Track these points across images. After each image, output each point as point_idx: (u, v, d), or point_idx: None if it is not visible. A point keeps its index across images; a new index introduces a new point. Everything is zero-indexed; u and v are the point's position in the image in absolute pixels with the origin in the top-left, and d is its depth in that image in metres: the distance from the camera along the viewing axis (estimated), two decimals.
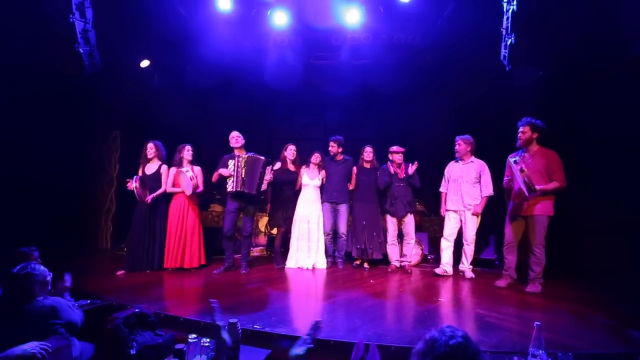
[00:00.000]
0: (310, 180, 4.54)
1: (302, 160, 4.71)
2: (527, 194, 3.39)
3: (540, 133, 3.60)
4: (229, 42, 5.50)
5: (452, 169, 4.34)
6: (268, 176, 4.13)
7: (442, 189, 4.42)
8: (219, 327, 1.83)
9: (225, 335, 1.83)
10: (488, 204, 4.17)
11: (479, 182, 4.16)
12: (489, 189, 4.14)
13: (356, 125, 7.17)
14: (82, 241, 5.44)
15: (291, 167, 4.60)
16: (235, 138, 4.28)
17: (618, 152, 3.96)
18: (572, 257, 4.46)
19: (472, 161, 4.24)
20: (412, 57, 5.83)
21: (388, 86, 6.02)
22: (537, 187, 3.37)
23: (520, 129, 3.64)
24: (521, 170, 3.32)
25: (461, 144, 4.23)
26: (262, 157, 4.12)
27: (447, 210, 4.30)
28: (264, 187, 4.13)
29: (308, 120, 7.54)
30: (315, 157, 4.58)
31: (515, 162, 3.42)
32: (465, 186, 4.18)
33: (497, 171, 4.04)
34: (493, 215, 4.31)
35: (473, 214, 4.12)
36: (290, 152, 4.58)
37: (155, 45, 5.47)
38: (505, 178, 3.83)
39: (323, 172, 4.63)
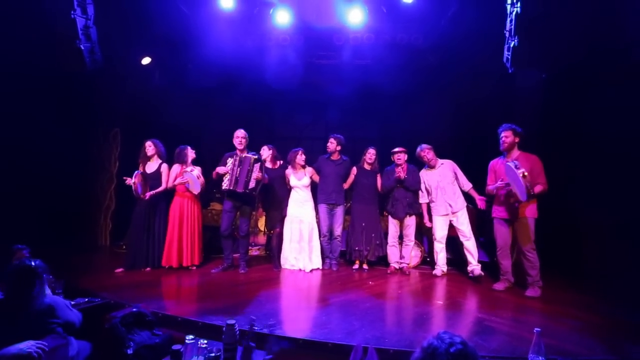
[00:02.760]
0: (298, 181, 4.48)
1: (309, 160, 4.66)
2: (523, 198, 3.39)
3: (521, 138, 3.69)
4: (231, 40, 5.49)
5: (429, 178, 4.38)
6: (256, 174, 4.06)
7: (422, 200, 4.44)
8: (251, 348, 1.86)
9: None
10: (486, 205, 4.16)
11: (457, 179, 4.28)
12: (468, 183, 4.29)
13: (357, 125, 7.17)
14: (81, 238, 5.43)
15: (269, 165, 4.57)
16: (240, 139, 4.23)
17: (619, 155, 3.94)
18: (572, 261, 4.44)
19: (442, 163, 4.35)
20: (414, 57, 5.82)
21: (390, 86, 6.01)
22: (535, 191, 3.44)
23: (503, 134, 3.71)
24: (524, 176, 3.32)
25: (429, 153, 4.33)
26: (250, 155, 4.10)
27: (435, 216, 4.33)
28: (251, 184, 4.05)
29: (309, 120, 7.53)
30: (299, 158, 4.48)
31: (516, 166, 3.40)
32: (448, 188, 4.26)
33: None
34: (491, 216, 4.28)
35: (480, 207, 4.15)
36: (265, 152, 4.60)
37: (157, 42, 5.45)
38: (489, 185, 3.83)
39: (309, 169, 4.56)
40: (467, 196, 4.35)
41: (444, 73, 5.89)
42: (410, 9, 5.11)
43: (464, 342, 1.12)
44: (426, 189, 4.40)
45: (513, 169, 3.39)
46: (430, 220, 4.40)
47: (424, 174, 4.42)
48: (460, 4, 4.90)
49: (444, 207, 4.25)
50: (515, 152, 3.70)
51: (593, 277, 4.18)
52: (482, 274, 4.05)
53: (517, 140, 3.67)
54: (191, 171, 4.21)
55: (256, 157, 4.12)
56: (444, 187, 4.26)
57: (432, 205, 4.37)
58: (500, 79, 4.94)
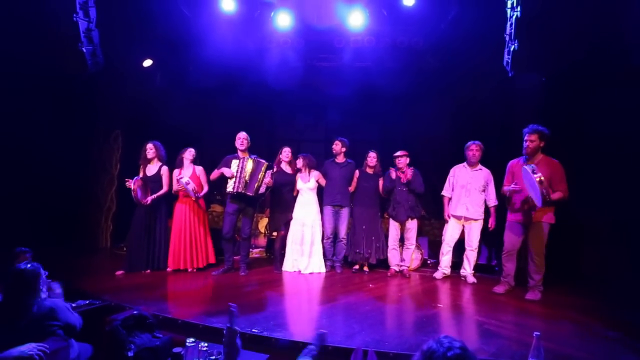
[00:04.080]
0: (304, 184, 4.52)
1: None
2: (539, 204, 3.27)
3: (547, 142, 3.50)
4: (232, 42, 5.50)
5: (460, 174, 4.23)
6: (267, 179, 4.13)
7: (445, 193, 4.32)
8: (236, 332, 1.83)
9: (238, 341, 1.83)
10: (488, 209, 4.15)
11: (484, 190, 4.12)
12: (495, 199, 4.11)
13: (358, 127, 7.15)
14: (82, 240, 5.43)
15: (287, 169, 4.59)
16: (242, 140, 4.28)
17: (619, 158, 3.95)
18: (572, 264, 4.44)
19: (480, 168, 4.18)
20: (414, 60, 5.82)
21: (390, 89, 6.01)
22: (553, 197, 3.28)
23: (528, 137, 3.49)
24: (540, 182, 3.16)
25: (478, 151, 4.13)
26: (264, 161, 4.14)
27: (452, 215, 4.23)
28: (262, 190, 4.13)
29: (309, 122, 7.53)
30: (298, 162, 4.55)
31: (533, 170, 3.22)
32: (474, 193, 4.11)
33: (499, 176, 4.02)
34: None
35: (491, 230, 4.06)
36: (285, 154, 4.58)
37: (158, 44, 5.46)
38: (505, 186, 3.74)
39: (315, 172, 4.58)
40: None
41: (445, 75, 5.90)
42: (411, 12, 5.12)
43: (463, 347, 1.12)
44: (452, 183, 4.27)
45: (529, 173, 3.23)
46: (449, 216, 4.29)
47: (458, 169, 4.27)
48: (461, 7, 4.91)
49: (462, 208, 4.12)
50: (539, 156, 3.53)
51: (593, 280, 4.18)
52: (475, 281, 4.11)
53: (542, 144, 3.48)
54: (181, 178, 4.19)
55: (269, 163, 4.16)
56: (469, 190, 4.11)
57: (452, 202, 4.25)
58: (501, 82, 4.95)
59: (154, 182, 4.26)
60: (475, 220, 4.12)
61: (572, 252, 4.43)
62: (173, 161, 4.44)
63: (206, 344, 1.97)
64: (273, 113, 7.47)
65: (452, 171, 4.34)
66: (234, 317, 1.88)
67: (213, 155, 4.81)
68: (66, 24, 3.82)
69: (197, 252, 4.33)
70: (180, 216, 4.33)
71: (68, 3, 3.76)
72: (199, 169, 4.40)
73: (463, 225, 4.20)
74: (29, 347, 1.76)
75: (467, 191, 4.13)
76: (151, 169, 4.30)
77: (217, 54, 5.45)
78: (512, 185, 3.63)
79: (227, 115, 6.58)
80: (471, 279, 4.13)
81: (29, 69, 4.25)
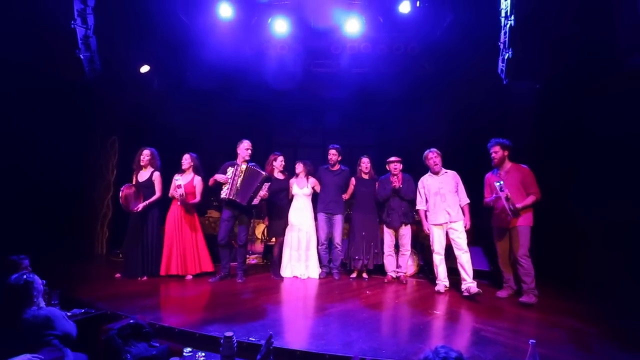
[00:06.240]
0: (299, 189, 4.53)
1: (291, 168, 4.72)
2: (510, 215, 3.59)
3: (510, 150, 3.81)
4: (230, 49, 5.54)
5: (430, 184, 4.17)
6: (263, 192, 4.08)
7: (420, 207, 4.22)
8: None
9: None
10: (483, 214, 4.16)
11: (457, 191, 4.12)
12: (466, 198, 4.12)
13: (354, 132, 7.21)
14: (78, 247, 5.40)
15: (280, 175, 4.58)
16: (250, 151, 4.28)
17: (612, 162, 4.00)
18: (569, 269, 4.46)
19: (446, 172, 4.17)
20: (410, 65, 5.89)
21: (387, 93, 6.08)
22: (519, 206, 3.56)
23: (492, 149, 3.83)
24: (507, 199, 3.50)
25: (438, 157, 4.14)
26: (263, 172, 4.10)
27: (433, 225, 4.11)
28: (256, 201, 4.08)
29: (307, 127, 7.57)
30: (298, 167, 4.58)
31: (500, 188, 3.52)
32: (449, 196, 4.05)
33: None
34: (487, 225, 4.29)
35: (467, 230, 4.03)
36: (280, 163, 4.57)
37: (156, 50, 5.48)
38: (485, 198, 3.91)
39: (312, 179, 4.60)
40: None
41: (440, 81, 5.96)
42: (407, 19, 5.20)
43: (459, 357, 1.13)
44: (424, 194, 4.21)
45: (497, 190, 3.57)
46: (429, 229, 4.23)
47: (425, 179, 4.24)
48: (456, 15, 4.97)
49: (443, 215, 4.03)
50: (507, 164, 3.81)
51: (589, 285, 4.20)
52: (480, 291, 3.69)
53: (506, 153, 3.80)
54: (175, 180, 4.21)
55: (267, 175, 4.13)
56: (444, 194, 4.05)
57: (428, 214, 4.18)
58: (495, 87, 4.98)
59: (146, 187, 4.24)
60: (458, 221, 4.03)
61: (568, 256, 4.46)
62: (169, 166, 4.43)
63: (203, 354, 1.97)
64: (270, 118, 7.51)
65: (420, 183, 4.28)
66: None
67: (210, 161, 4.82)
68: (64, 31, 3.83)
69: (186, 258, 4.28)
70: (171, 221, 4.32)
71: (66, 10, 3.77)
72: (198, 179, 4.39)
73: (447, 230, 4.05)
74: (24, 359, 1.74)
75: (442, 196, 4.06)
76: (143, 175, 4.29)
77: (214, 60, 5.48)
78: (493, 196, 3.81)
79: (225, 120, 6.61)
80: (474, 289, 3.73)
81: (26, 75, 4.25)
